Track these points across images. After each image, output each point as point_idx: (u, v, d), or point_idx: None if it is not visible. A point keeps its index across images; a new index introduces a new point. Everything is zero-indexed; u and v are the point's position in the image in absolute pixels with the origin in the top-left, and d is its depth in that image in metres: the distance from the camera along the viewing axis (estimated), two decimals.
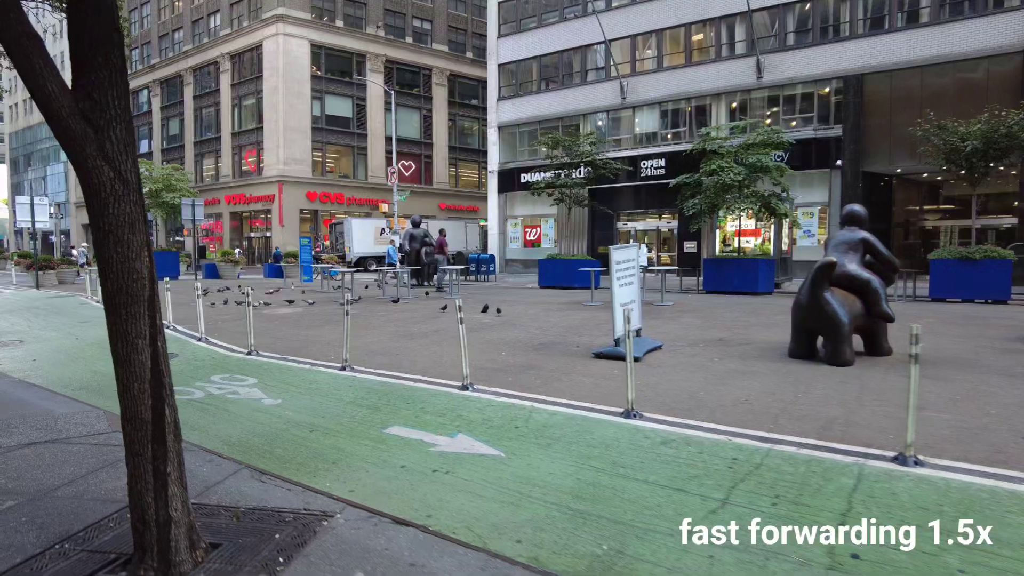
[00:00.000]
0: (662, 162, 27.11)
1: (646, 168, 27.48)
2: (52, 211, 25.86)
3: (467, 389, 6.28)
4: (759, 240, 22.99)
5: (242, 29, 44.16)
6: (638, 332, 8.01)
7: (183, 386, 6.88)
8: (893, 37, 22.66)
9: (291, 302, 15.16)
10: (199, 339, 9.77)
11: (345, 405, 5.94)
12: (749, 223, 21.75)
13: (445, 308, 12.78)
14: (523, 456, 4.48)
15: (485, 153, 53.60)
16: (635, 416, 5.26)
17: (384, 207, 34.00)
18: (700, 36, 27.04)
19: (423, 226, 20.69)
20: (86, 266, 25.85)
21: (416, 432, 5.07)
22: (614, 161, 21.37)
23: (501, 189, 32.24)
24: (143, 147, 54.22)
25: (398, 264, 18.48)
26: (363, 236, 38.16)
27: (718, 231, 24.72)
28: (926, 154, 15.79)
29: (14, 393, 6.64)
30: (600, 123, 29.37)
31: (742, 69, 25.66)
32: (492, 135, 32.50)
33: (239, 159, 45.45)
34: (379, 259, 38.37)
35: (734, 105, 26.45)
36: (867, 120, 23.56)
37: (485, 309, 12.39)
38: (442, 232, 19.67)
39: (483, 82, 52.49)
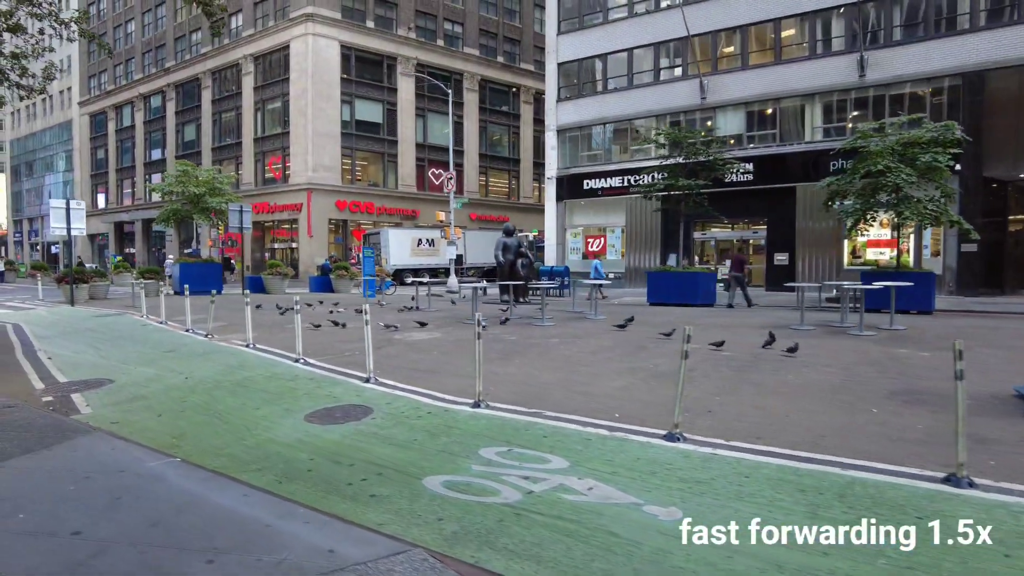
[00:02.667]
0: (749, 166, 24.81)
1: (729, 173, 25.17)
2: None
3: (960, 485, 3.82)
4: (894, 252, 20.63)
5: (267, 29, 41.80)
6: None
7: (453, 474, 4.38)
8: (1022, 29, 20.57)
9: (423, 324, 12.40)
10: (366, 380, 7.23)
11: (814, 520, 3.45)
12: (881, 231, 19.51)
13: (722, 345, 9.04)
14: None
15: (517, 161, 51.55)
16: None
17: (441, 215, 31.57)
18: (792, 31, 24.88)
19: (517, 235, 18.30)
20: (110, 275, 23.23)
21: None
22: (735, 160, 19.07)
23: (560, 197, 29.81)
24: (155, 155, 51.64)
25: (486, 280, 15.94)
26: (400, 247, 35.82)
27: (846, 242, 22.35)
28: None
29: (205, 496, 4.09)
30: (662, 126, 27.15)
31: (841, 67, 23.50)
32: (551, 139, 30.10)
33: (262, 166, 42.92)
34: (416, 271, 35.93)
35: (826, 106, 24.28)
36: (989, 121, 21.40)
37: (721, 344, 9.24)
38: (740, 249, 17.60)
39: (515, 88, 50.49)
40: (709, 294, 17.82)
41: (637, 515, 3.64)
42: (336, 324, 12.19)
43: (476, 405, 5.98)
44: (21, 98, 12.24)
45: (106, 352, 10.26)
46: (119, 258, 40.14)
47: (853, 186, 15.55)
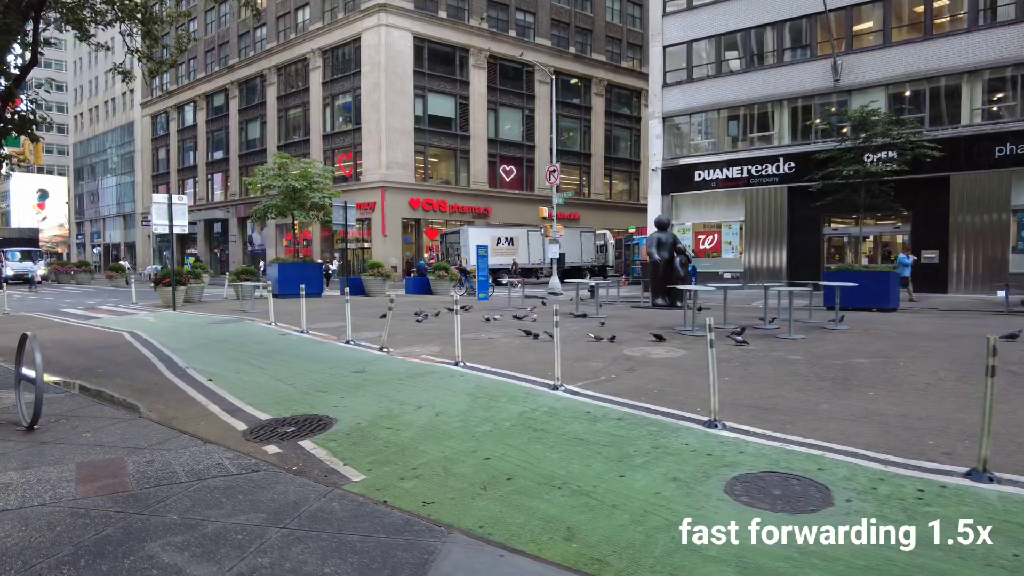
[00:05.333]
0: (891, 154, 22.15)
1: (867, 162, 22.56)
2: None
3: None
4: None
5: (336, 22, 40.39)
6: None
7: None
8: None
9: (660, 339, 10.00)
10: (708, 423, 5.13)
11: None
12: None
13: None
14: None
15: (588, 156, 49.28)
16: None
17: (544, 211, 29.59)
18: (945, 1, 22.18)
19: (671, 230, 16.12)
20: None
21: None
22: (929, 145, 16.61)
23: (666, 190, 27.45)
24: (218, 155, 50.86)
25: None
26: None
27: None
28: None
29: None
30: (785, 112, 24.62)
31: (1009, 39, 20.72)
32: (655, 127, 27.79)
33: (332, 163, 41.45)
34: (495, 271, 34.00)
35: (988, 84, 21.48)
36: None
37: None
38: None
39: (587, 80, 48.24)
40: (897, 296, 15.42)
41: None
42: (528, 334, 10.20)
43: (988, 477, 3.82)
44: (151, 72, 10.57)
45: (274, 372, 8.41)
46: (193, 259, 39.11)
47: None
